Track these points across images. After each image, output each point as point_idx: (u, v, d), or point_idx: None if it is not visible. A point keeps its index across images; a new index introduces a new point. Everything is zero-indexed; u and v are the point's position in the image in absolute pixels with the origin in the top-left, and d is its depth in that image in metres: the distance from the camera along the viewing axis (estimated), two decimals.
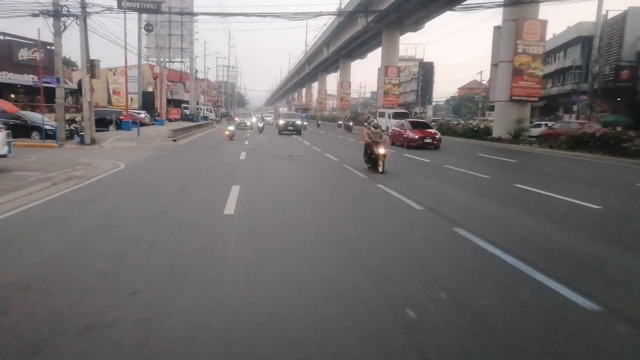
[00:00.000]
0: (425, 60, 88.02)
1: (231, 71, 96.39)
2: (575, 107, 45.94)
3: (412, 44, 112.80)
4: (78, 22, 20.23)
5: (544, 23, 23.79)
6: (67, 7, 20.67)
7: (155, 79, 50.03)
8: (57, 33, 20.33)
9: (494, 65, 25.36)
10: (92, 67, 20.27)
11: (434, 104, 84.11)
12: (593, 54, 35.65)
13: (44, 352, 2.67)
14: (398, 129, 22.11)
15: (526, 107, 24.94)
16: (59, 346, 2.75)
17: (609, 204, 8.19)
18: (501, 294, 3.73)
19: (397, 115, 32.99)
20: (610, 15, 43.22)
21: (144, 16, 40.89)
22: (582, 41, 47.85)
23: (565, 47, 52.65)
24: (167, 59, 50.12)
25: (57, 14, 20.37)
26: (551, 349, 2.87)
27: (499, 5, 21.87)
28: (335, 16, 51.63)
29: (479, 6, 19.50)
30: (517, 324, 3.24)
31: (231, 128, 24.17)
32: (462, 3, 31.35)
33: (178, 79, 55.22)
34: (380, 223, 6.32)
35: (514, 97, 23.79)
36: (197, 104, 54.89)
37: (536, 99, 26.39)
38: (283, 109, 61.61)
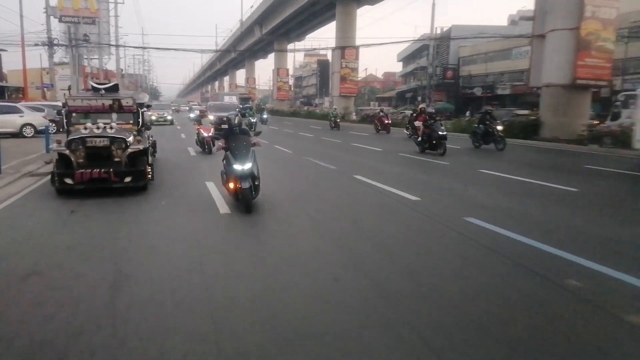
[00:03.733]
0: (328, 56, 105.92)
1: (145, 66, 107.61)
2: (419, 98, 65.60)
3: (317, 39, 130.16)
4: (66, 50, 34.55)
5: (357, 49, 41.59)
6: (57, 39, 34.84)
7: (86, 77, 62.52)
8: (51, 56, 34.49)
9: (332, 73, 42.81)
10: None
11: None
12: (430, 59, 54.86)
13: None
14: None
15: (350, 100, 42.64)
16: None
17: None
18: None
19: None
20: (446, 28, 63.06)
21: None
22: (427, 48, 67.31)
23: (419, 51, 72.44)
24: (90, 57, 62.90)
25: (51, 44, 34.48)
26: (390, 217, 6.59)
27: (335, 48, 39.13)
28: (238, 25, 67.55)
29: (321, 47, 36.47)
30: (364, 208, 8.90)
31: (242, 169, 6.75)
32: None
33: (104, 76, 67.87)
34: None
35: (342, 94, 41.36)
36: None
37: (354, 95, 44.22)
38: (231, 98, 43.01)
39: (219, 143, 7.32)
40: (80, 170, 8.01)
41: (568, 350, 3.09)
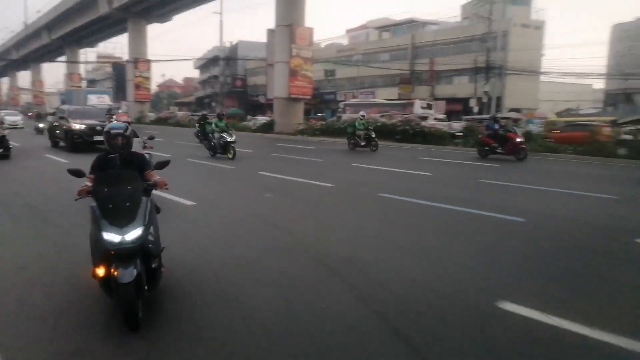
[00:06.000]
0: (127, 58, 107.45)
1: None
2: (213, 104, 74.88)
3: (113, 42, 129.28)
4: None
5: (148, 61, 49.02)
6: None
7: None
8: None
9: (127, 81, 49.31)
10: None
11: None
12: (221, 70, 64.18)
13: None
14: None
15: (145, 105, 49.91)
16: None
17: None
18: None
19: None
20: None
21: None
22: (219, 59, 76.78)
23: (212, 61, 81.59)
24: None
25: None
26: None
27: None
28: (23, 27, 67.71)
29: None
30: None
31: (120, 240, 3.41)
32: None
33: None
34: None
35: (137, 100, 48.36)
36: None
37: (148, 101, 51.71)
38: (101, 97, 35.80)
39: (87, 183, 3.78)
40: None
41: None
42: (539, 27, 45.39)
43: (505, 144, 16.30)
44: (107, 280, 3.41)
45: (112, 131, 3.96)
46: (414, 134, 21.91)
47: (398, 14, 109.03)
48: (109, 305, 3.71)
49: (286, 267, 5.05)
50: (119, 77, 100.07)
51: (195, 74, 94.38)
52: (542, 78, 44.90)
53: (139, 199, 3.60)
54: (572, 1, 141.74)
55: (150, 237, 3.59)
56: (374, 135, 19.53)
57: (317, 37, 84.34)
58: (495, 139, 16.67)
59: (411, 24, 55.03)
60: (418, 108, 33.57)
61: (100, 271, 3.40)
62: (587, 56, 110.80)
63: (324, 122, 31.73)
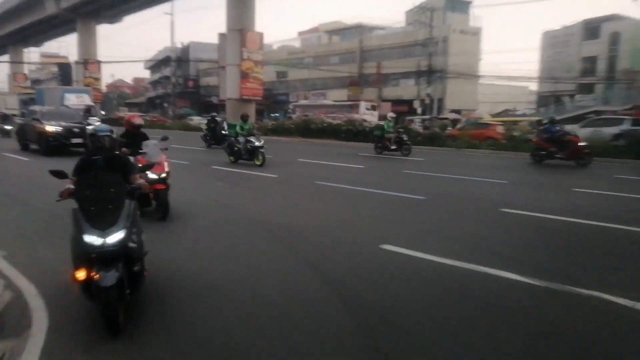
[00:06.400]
0: (75, 58, 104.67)
1: None
2: (165, 104, 74.76)
3: (58, 42, 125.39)
4: None
5: (99, 63, 49.03)
6: None
7: None
8: None
9: (75, 82, 49.07)
10: None
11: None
12: (172, 71, 64.23)
13: None
14: None
15: (96, 106, 49.81)
16: None
17: None
18: None
19: None
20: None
21: None
22: (170, 59, 76.69)
23: (164, 62, 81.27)
24: None
25: None
26: None
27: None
28: None
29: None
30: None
31: (101, 243, 3.47)
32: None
33: None
34: None
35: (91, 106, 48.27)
36: None
37: (100, 102, 51.69)
38: (81, 97, 33.95)
39: (69, 185, 3.81)
40: None
41: None
42: (476, 33, 48.75)
43: (566, 149, 15.24)
44: (88, 283, 3.38)
45: (99, 133, 4.02)
46: (356, 133, 23.92)
47: (349, 18, 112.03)
48: (89, 309, 3.69)
49: (233, 231, 6.75)
50: (64, 77, 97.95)
51: (146, 74, 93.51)
52: (482, 81, 48.23)
53: (122, 201, 3.60)
54: (506, 10, 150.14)
55: (133, 239, 3.62)
56: (406, 138, 18.08)
57: (269, 38, 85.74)
58: (554, 143, 15.49)
59: (360, 28, 57.43)
60: (363, 109, 35.73)
61: (81, 274, 3.37)
62: (521, 60, 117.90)
63: (274, 122, 33.40)
